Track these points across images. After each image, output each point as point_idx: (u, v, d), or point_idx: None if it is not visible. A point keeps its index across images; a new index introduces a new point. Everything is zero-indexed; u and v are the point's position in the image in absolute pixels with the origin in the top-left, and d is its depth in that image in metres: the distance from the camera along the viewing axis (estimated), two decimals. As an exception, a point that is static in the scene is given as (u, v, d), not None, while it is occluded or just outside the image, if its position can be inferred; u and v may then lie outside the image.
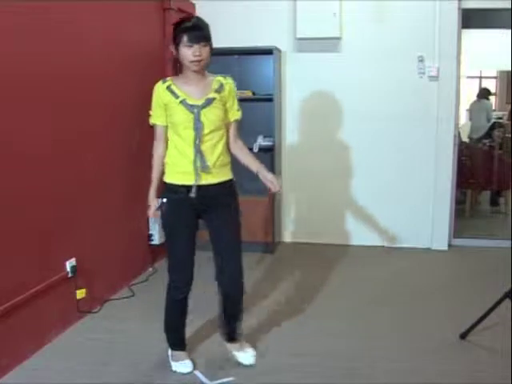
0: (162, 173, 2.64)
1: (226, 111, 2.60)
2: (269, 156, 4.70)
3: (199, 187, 2.53)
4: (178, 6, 4.58)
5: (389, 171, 4.87)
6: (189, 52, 2.44)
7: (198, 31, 2.46)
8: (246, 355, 2.81)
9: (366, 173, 4.91)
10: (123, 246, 3.93)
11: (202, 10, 4.90)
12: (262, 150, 4.64)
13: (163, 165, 2.63)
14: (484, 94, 7.54)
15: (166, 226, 2.63)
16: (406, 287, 3.93)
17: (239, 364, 2.78)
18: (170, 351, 2.81)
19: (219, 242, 2.64)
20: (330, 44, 4.79)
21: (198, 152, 2.51)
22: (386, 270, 4.32)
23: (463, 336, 3.03)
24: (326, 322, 3.31)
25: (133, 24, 4.01)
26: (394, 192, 4.88)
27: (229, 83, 2.61)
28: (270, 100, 4.66)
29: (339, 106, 4.82)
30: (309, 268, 4.38)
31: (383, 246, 4.89)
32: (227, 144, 2.65)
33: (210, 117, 2.51)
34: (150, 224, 4.28)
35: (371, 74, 4.75)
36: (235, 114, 2.65)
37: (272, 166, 4.67)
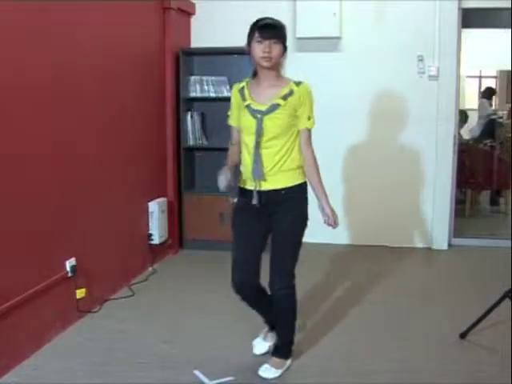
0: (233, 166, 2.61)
1: (296, 118, 2.53)
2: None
3: (260, 193, 2.51)
4: (178, 5, 4.59)
5: (388, 171, 4.87)
6: (259, 48, 2.43)
7: (271, 29, 2.44)
8: (267, 368, 2.67)
9: (365, 172, 4.90)
10: (123, 246, 3.92)
11: (202, 10, 4.91)
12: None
13: (233, 162, 2.60)
14: (486, 93, 7.54)
15: (231, 226, 2.66)
16: (406, 287, 3.93)
17: (243, 367, 2.75)
18: None
19: (271, 248, 2.60)
20: (330, 44, 4.79)
21: (257, 159, 2.48)
22: (386, 269, 4.32)
23: (463, 336, 3.03)
24: (325, 321, 3.31)
25: (133, 24, 4.00)
26: (393, 192, 4.88)
27: (300, 90, 2.53)
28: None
29: (339, 106, 4.80)
30: (307, 268, 4.37)
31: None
32: (298, 150, 2.57)
33: (273, 123, 2.46)
34: (150, 224, 4.29)
35: (371, 74, 4.75)
36: (305, 123, 2.56)
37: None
